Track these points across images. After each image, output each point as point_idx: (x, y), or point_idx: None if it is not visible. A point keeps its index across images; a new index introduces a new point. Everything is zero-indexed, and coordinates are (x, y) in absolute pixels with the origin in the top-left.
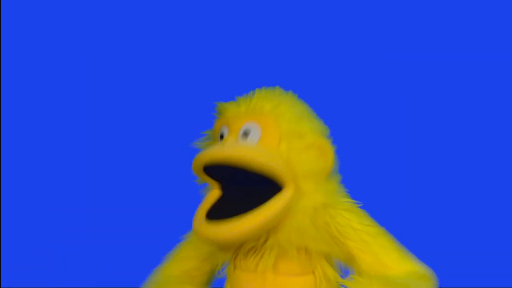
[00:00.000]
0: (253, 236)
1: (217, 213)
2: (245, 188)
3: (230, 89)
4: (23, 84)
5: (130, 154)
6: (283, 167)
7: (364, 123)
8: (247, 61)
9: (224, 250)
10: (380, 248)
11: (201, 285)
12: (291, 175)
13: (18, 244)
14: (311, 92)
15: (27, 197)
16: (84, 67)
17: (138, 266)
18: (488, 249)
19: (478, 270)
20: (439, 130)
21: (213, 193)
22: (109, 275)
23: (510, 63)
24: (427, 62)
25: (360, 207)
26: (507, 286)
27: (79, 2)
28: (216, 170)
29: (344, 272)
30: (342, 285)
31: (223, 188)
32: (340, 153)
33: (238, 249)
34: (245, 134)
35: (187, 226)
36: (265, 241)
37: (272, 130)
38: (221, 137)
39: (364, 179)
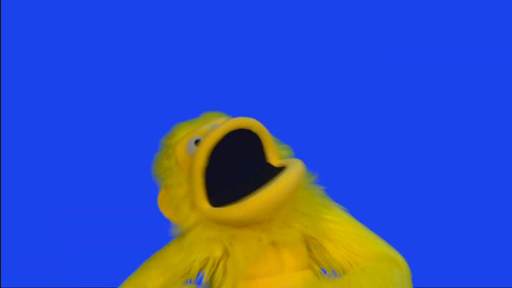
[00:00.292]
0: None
1: (226, 197)
2: (253, 168)
3: (230, 89)
4: (23, 84)
5: (130, 154)
6: None
7: (364, 123)
8: (246, 59)
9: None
10: (348, 235)
11: None
12: None
13: (18, 244)
14: (310, 92)
15: (27, 197)
16: (84, 67)
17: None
18: (488, 249)
19: (478, 270)
20: (440, 130)
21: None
22: (109, 275)
23: (510, 63)
24: (427, 62)
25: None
26: (507, 286)
27: (79, 2)
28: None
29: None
30: None
31: (221, 175)
32: (340, 153)
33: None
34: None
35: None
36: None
37: None
38: (197, 141)
39: (364, 179)
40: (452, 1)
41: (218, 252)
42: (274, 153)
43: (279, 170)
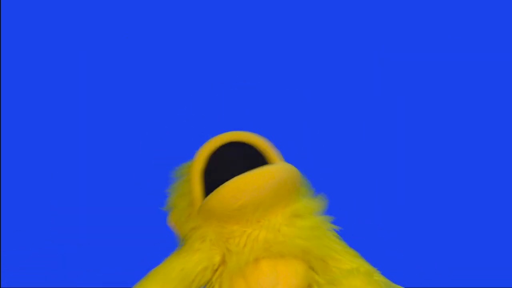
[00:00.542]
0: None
1: None
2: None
3: (229, 88)
4: (23, 84)
5: (130, 154)
6: None
7: (364, 123)
8: (245, 59)
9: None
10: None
11: None
12: None
13: (18, 244)
14: (311, 92)
15: (27, 197)
16: (84, 67)
17: (138, 266)
18: (488, 249)
19: (478, 270)
20: (440, 131)
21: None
22: (109, 275)
23: (510, 63)
24: (427, 62)
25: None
26: (507, 286)
27: (79, 2)
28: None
29: None
30: None
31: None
32: (340, 154)
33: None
34: None
35: None
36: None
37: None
38: None
39: (363, 179)
40: (452, 1)
41: (216, 259)
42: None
43: None
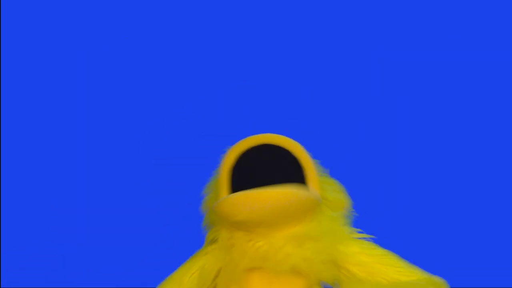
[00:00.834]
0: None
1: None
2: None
3: (229, 88)
4: (23, 84)
5: (131, 154)
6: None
7: (364, 123)
8: (245, 60)
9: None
10: (387, 267)
11: None
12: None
13: (18, 244)
14: (310, 92)
15: (27, 197)
16: (84, 67)
17: (138, 266)
18: (488, 249)
19: (478, 270)
20: (440, 131)
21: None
22: (109, 275)
23: (510, 63)
24: (427, 62)
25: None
26: (507, 286)
27: (79, 2)
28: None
29: None
30: None
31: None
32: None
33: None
34: None
35: (187, 226)
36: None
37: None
38: None
39: (363, 179)
40: (452, 1)
41: (219, 264)
42: (314, 180)
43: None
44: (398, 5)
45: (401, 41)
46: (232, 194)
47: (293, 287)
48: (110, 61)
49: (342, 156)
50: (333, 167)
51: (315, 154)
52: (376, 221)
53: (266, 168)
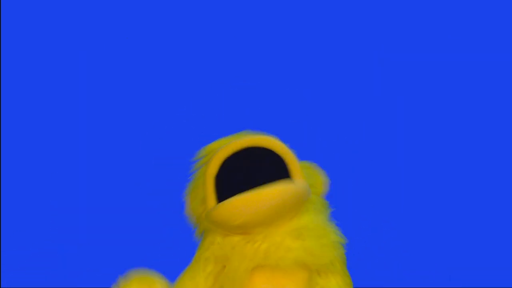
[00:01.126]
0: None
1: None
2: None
3: (228, 87)
4: (23, 84)
5: (131, 154)
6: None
7: (364, 123)
8: (245, 60)
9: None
10: None
11: None
12: None
13: (18, 244)
14: (310, 92)
15: (27, 197)
16: (84, 67)
17: (138, 266)
18: (488, 249)
19: (478, 270)
20: (440, 131)
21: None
22: (109, 275)
23: (510, 63)
24: (427, 62)
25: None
26: (507, 286)
27: (79, 2)
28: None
29: None
30: None
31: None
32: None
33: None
34: None
35: (187, 226)
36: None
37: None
38: None
39: (363, 180)
40: (452, 1)
41: (218, 267)
42: (298, 171)
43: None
44: (398, 5)
45: (401, 41)
46: (229, 199)
47: (297, 278)
48: (110, 61)
49: (342, 156)
50: (333, 167)
51: (315, 154)
52: (376, 221)
53: (250, 170)
